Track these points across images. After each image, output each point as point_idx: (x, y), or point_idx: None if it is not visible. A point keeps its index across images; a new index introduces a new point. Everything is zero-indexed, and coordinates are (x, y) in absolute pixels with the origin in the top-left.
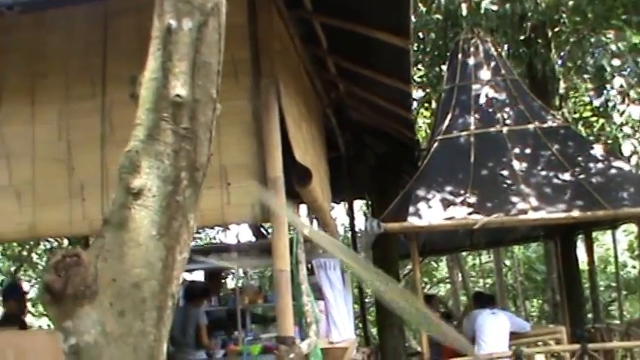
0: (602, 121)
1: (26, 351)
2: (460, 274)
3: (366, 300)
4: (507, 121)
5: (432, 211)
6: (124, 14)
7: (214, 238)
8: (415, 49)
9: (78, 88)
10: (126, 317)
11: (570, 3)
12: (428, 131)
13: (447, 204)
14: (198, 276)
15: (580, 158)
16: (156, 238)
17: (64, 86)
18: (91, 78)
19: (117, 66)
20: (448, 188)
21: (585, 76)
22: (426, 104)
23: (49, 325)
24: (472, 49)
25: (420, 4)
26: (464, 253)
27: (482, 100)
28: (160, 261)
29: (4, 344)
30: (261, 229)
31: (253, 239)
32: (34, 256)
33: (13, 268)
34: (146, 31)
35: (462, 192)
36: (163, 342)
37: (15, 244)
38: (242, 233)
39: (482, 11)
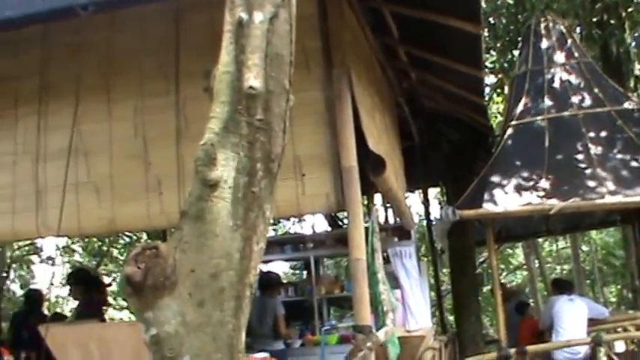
0: None
1: (109, 342)
2: (537, 261)
3: (443, 288)
4: (582, 105)
5: (508, 197)
6: (195, 10)
7: (290, 229)
8: (486, 34)
9: (152, 85)
10: (205, 307)
11: None
12: (501, 117)
13: (522, 189)
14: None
15: None
16: (233, 229)
17: (139, 83)
18: (164, 74)
19: (189, 61)
20: (523, 174)
21: None
22: (499, 90)
23: (129, 318)
24: (544, 32)
25: None
26: (540, 240)
27: (555, 84)
28: (238, 251)
29: (88, 336)
30: (336, 219)
31: (329, 229)
32: (114, 251)
33: (94, 263)
34: (218, 25)
35: (538, 177)
36: (242, 331)
37: (95, 239)
38: (317, 224)
39: None
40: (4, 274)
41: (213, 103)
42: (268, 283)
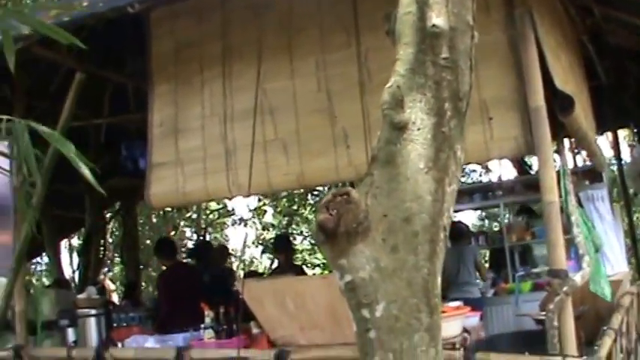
0: None
1: (303, 295)
2: None
3: (638, 232)
4: None
5: None
6: None
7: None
8: None
9: (332, 39)
10: (399, 252)
11: None
12: None
13: None
14: None
15: None
16: (424, 172)
17: (319, 39)
18: (344, 27)
19: (368, 13)
20: None
21: None
22: None
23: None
24: None
25: None
26: None
27: None
28: (430, 194)
29: (282, 290)
30: (524, 165)
31: (516, 176)
32: (304, 211)
33: (284, 223)
34: None
35: None
36: (437, 276)
37: (285, 199)
38: (504, 172)
39: None
40: (201, 238)
41: (397, 46)
42: (459, 232)
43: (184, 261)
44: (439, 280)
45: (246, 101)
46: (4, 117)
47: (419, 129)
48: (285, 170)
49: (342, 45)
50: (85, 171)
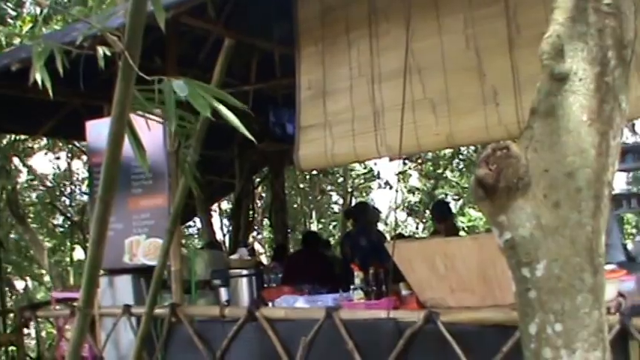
0: None
1: (453, 257)
2: None
3: None
4: None
5: None
6: None
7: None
8: None
9: None
10: (561, 209)
11: None
12: None
13: None
14: None
15: None
16: (587, 124)
17: None
18: None
19: None
20: None
21: None
22: None
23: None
24: None
25: None
26: None
27: None
28: (593, 147)
29: (432, 251)
30: None
31: None
32: (449, 174)
33: (428, 186)
34: None
35: None
36: (601, 234)
37: (430, 163)
38: None
39: None
40: (348, 203)
41: None
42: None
43: (312, 250)
44: (603, 238)
45: (393, 61)
46: (158, 77)
47: (581, 79)
48: (434, 130)
49: (490, 0)
50: (237, 123)
